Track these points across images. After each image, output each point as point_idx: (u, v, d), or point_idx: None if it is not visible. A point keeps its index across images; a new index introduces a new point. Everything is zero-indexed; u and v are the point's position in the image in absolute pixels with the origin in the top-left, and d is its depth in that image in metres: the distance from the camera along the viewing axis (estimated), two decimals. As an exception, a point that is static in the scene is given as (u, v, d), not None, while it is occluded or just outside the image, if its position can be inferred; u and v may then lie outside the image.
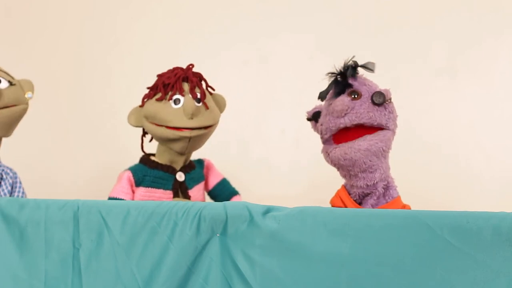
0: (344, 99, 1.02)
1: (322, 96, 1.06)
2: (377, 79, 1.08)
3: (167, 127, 1.18)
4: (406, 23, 1.64)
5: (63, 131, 1.78)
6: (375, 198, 1.07)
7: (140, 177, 1.22)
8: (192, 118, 1.18)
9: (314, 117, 1.11)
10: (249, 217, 0.95)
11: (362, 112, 1.02)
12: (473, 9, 1.61)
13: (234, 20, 1.72)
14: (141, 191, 1.22)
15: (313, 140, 1.65)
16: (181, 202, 1.00)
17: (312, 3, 1.68)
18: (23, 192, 1.22)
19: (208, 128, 1.21)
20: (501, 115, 1.60)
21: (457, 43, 1.62)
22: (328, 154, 1.06)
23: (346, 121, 1.03)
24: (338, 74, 1.05)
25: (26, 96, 1.21)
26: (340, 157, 1.04)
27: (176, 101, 1.19)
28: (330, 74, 1.06)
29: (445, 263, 0.87)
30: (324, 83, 1.68)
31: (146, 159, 1.25)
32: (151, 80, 1.24)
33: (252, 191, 1.39)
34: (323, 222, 0.91)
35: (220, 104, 1.28)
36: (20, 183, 1.23)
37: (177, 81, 1.19)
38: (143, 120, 1.22)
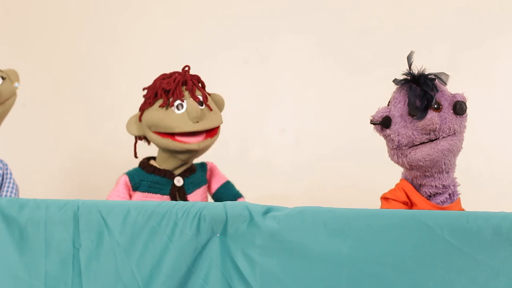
0: (433, 117, 0.99)
1: (417, 113, 0.99)
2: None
3: (173, 138, 1.16)
4: (406, 23, 1.64)
5: (63, 131, 1.77)
6: (446, 196, 1.06)
7: (137, 182, 1.21)
8: (197, 122, 1.16)
9: (385, 123, 1.03)
10: (249, 217, 0.95)
11: (448, 127, 1.00)
12: (474, 10, 1.61)
13: (234, 20, 1.72)
14: (138, 196, 1.21)
15: (313, 140, 1.65)
16: (181, 202, 1.00)
17: (312, 3, 1.68)
18: (14, 183, 1.21)
19: (214, 130, 1.20)
20: (501, 115, 1.60)
21: (458, 43, 1.62)
22: (406, 156, 1.02)
23: (431, 136, 1.00)
24: (414, 83, 1.01)
25: (14, 86, 1.21)
26: (421, 158, 1.01)
27: (179, 107, 1.16)
28: (403, 81, 1.02)
29: (445, 263, 0.87)
30: (323, 83, 1.68)
31: (144, 163, 1.23)
32: (151, 81, 1.23)
33: (252, 191, 1.39)
34: (323, 222, 0.91)
35: (219, 104, 1.26)
36: (11, 174, 1.22)
37: (176, 87, 1.17)
38: (145, 130, 1.20)
